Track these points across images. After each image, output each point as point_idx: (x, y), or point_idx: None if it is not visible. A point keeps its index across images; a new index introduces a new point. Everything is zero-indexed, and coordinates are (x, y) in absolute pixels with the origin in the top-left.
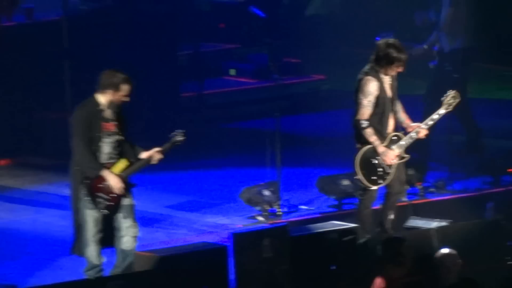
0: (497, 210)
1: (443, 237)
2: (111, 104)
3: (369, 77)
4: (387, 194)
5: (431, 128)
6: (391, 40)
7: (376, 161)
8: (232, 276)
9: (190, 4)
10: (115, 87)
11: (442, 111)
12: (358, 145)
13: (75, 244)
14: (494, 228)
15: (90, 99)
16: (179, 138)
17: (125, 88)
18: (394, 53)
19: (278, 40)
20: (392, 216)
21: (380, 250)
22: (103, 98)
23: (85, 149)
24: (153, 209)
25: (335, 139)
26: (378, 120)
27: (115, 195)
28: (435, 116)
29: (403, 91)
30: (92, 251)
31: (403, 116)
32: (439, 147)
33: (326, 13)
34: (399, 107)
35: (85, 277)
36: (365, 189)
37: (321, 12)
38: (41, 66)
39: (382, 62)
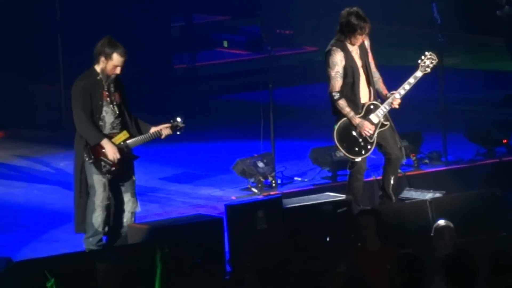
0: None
1: (438, 208)
2: (102, 73)
3: (333, 48)
4: (386, 160)
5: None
6: (353, 8)
7: (355, 133)
8: (226, 248)
9: None
10: (106, 55)
11: (418, 74)
12: (336, 119)
13: (78, 221)
14: (488, 199)
15: (89, 70)
16: (182, 125)
17: (117, 58)
18: (356, 21)
19: (270, 11)
20: (393, 182)
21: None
22: (99, 68)
23: (86, 119)
24: (147, 181)
25: (328, 110)
26: (350, 89)
27: (117, 161)
28: (412, 80)
29: (394, 61)
30: (98, 216)
31: (381, 87)
32: (433, 118)
33: None
34: (377, 77)
35: (84, 245)
36: (353, 161)
37: None
38: (33, 38)
39: (344, 30)
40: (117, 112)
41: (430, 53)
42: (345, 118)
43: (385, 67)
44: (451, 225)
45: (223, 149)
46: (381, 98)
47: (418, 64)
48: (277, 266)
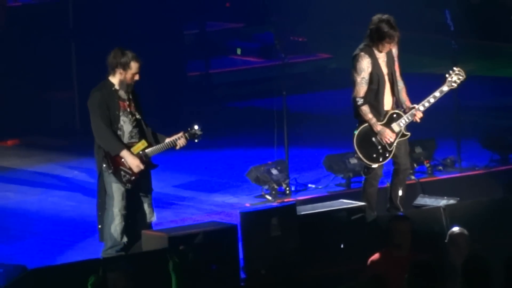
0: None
1: (452, 215)
2: (122, 84)
3: (361, 54)
4: (395, 171)
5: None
6: (385, 16)
7: (375, 139)
8: (240, 255)
9: None
10: (124, 66)
11: (445, 88)
12: (357, 124)
13: (100, 233)
14: (503, 206)
15: (103, 81)
16: (200, 133)
17: (134, 66)
18: (385, 28)
19: (284, 18)
20: (401, 193)
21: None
22: (114, 79)
23: (105, 129)
24: (161, 188)
25: (342, 117)
26: (374, 96)
27: (136, 171)
28: (437, 93)
29: (409, 68)
30: (117, 226)
31: (404, 97)
32: (447, 125)
33: None
34: (401, 86)
35: (101, 256)
36: (369, 167)
37: None
38: (47, 46)
39: (373, 37)
40: (135, 121)
41: (458, 69)
42: (366, 124)
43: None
44: (466, 232)
45: (237, 157)
46: (403, 108)
47: (445, 78)
48: (291, 273)
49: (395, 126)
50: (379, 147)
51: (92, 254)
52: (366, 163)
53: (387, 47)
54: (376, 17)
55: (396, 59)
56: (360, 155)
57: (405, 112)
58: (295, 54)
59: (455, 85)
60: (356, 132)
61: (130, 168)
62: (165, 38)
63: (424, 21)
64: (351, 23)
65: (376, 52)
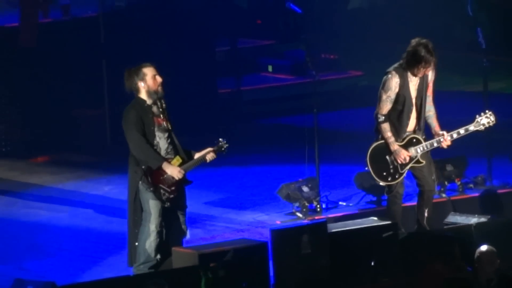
0: None
1: (483, 233)
2: (150, 94)
3: (393, 72)
4: (420, 193)
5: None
6: (423, 40)
7: (388, 158)
8: (271, 272)
9: (227, 0)
10: (140, 78)
11: (471, 128)
12: (375, 139)
13: (131, 253)
14: None
15: (135, 99)
16: (226, 145)
17: (148, 70)
18: (422, 52)
19: (315, 36)
20: (427, 214)
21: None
22: (143, 95)
23: (145, 144)
24: (192, 205)
25: (373, 135)
26: (397, 117)
27: (174, 188)
28: (462, 131)
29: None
30: (152, 242)
31: (434, 122)
32: (478, 143)
33: (368, 7)
34: (432, 111)
35: (132, 272)
36: (390, 186)
37: (364, 6)
38: (78, 63)
39: (409, 59)
40: (169, 137)
41: (490, 112)
42: (383, 141)
43: None
44: (494, 250)
45: (268, 174)
46: (430, 133)
47: (474, 118)
48: None
49: (412, 150)
50: (391, 166)
51: (121, 271)
52: (375, 179)
53: (421, 71)
54: (414, 40)
55: (430, 84)
56: (370, 169)
57: (433, 137)
58: (326, 71)
59: (482, 127)
60: (372, 147)
61: (169, 186)
62: (197, 55)
63: (454, 39)
64: (382, 40)
65: (409, 74)
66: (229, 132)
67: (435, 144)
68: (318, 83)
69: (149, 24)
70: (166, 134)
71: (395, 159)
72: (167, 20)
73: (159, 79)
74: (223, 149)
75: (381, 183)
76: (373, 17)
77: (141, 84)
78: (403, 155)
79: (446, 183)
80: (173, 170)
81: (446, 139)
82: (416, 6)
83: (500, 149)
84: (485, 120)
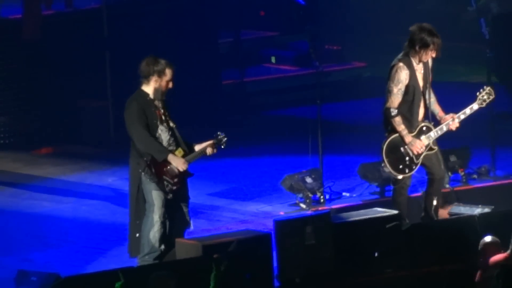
0: None
1: (486, 223)
2: (157, 92)
3: (401, 65)
4: (429, 181)
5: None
6: (424, 24)
7: (403, 150)
8: (275, 263)
9: None
10: (159, 73)
11: (475, 106)
12: (386, 134)
13: (133, 244)
14: None
15: (137, 91)
16: (224, 138)
17: (169, 73)
18: (429, 36)
19: (319, 27)
20: (435, 202)
21: None
22: (148, 88)
23: (149, 136)
24: (195, 197)
25: (376, 126)
26: (407, 108)
27: (177, 180)
28: (468, 110)
29: (444, 77)
30: (156, 232)
31: (436, 108)
32: (481, 133)
33: None
34: (433, 98)
35: (137, 263)
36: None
37: None
38: (81, 55)
39: (417, 46)
40: (170, 129)
41: (488, 88)
42: (396, 134)
43: (434, 83)
44: (498, 240)
45: (271, 165)
46: (435, 119)
47: (476, 96)
48: (325, 282)
49: (424, 139)
50: (407, 158)
51: (125, 262)
52: (392, 173)
53: (429, 54)
54: (415, 27)
55: (430, 70)
56: (388, 165)
57: (439, 123)
58: (330, 63)
59: (484, 104)
60: (386, 142)
61: (172, 178)
62: (200, 47)
63: (458, 30)
64: (385, 31)
65: (414, 63)
66: (232, 123)
67: (445, 128)
68: (322, 75)
69: (152, 15)
70: (168, 127)
71: (411, 150)
72: (170, 12)
73: (171, 85)
74: (222, 142)
75: (399, 177)
76: (376, 8)
77: (154, 78)
78: (419, 145)
79: (449, 173)
80: (178, 162)
81: (455, 121)
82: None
83: (504, 139)
84: (486, 96)
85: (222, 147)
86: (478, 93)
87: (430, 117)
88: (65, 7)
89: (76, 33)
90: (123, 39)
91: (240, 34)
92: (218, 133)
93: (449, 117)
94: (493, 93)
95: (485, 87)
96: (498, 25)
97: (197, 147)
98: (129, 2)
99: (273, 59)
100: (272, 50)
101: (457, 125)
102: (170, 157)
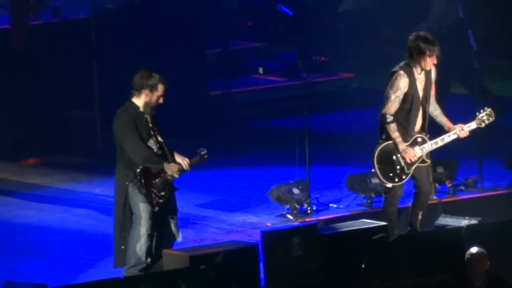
0: None
1: (473, 235)
2: (147, 106)
3: (401, 72)
4: (416, 194)
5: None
6: (421, 32)
7: (395, 158)
8: (262, 274)
9: (218, 2)
10: (151, 88)
11: (473, 125)
12: (380, 140)
13: (118, 255)
14: None
15: (128, 103)
16: (206, 155)
17: (161, 88)
18: (424, 43)
19: (307, 38)
20: (421, 217)
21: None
22: (139, 101)
23: (143, 146)
24: (182, 207)
25: (364, 137)
26: (404, 116)
27: (164, 194)
28: (474, 125)
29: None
30: (142, 245)
31: (443, 119)
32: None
33: (358, 9)
34: (438, 110)
35: (123, 275)
36: (389, 187)
37: (354, 9)
38: (69, 65)
39: (413, 54)
40: (157, 143)
41: (489, 109)
42: (390, 142)
43: None
44: (484, 251)
45: (259, 176)
46: (444, 131)
47: (476, 116)
48: None
49: (417, 150)
50: (398, 167)
51: (112, 273)
52: (382, 181)
53: (429, 62)
54: (412, 36)
55: (433, 83)
56: (378, 171)
57: (431, 138)
58: (317, 74)
59: (482, 124)
60: (378, 148)
61: (160, 191)
62: (187, 57)
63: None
64: (372, 42)
65: (415, 72)
66: (220, 134)
67: (452, 137)
68: (309, 85)
69: (140, 26)
70: (157, 140)
71: (403, 159)
72: (158, 22)
73: (161, 100)
74: (205, 156)
75: (388, 185)
76: (364, 19)
77: (146, 92)
78: (412, 154)
79: (437, 185)
80: (173, 168)
81: (465, 130)
82: (406, 9)
83: (491, 151)
84: (486, 117)
85: (205, 160)
86: (478, 113)
87: (427, 129)
88: (53, 17)
89: (64, 44)
90: (111, 50)
91: (227, 44)
92: (198, 149)
93: (458, 126)
94: (493, 116)
95: (486, 108)
96: None
97: (177, 157)
98: (117, 13)
99: (260, 70)
100: (259, 60)
101: (467, 133)
102: (166, 166)
